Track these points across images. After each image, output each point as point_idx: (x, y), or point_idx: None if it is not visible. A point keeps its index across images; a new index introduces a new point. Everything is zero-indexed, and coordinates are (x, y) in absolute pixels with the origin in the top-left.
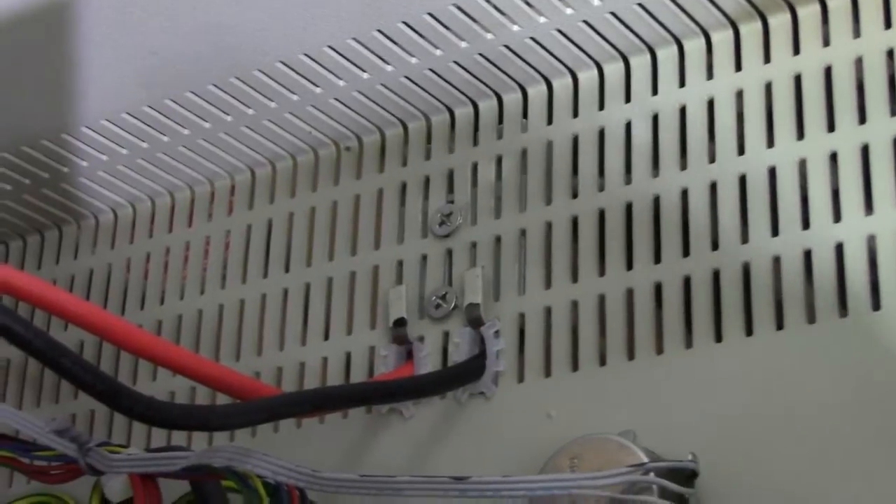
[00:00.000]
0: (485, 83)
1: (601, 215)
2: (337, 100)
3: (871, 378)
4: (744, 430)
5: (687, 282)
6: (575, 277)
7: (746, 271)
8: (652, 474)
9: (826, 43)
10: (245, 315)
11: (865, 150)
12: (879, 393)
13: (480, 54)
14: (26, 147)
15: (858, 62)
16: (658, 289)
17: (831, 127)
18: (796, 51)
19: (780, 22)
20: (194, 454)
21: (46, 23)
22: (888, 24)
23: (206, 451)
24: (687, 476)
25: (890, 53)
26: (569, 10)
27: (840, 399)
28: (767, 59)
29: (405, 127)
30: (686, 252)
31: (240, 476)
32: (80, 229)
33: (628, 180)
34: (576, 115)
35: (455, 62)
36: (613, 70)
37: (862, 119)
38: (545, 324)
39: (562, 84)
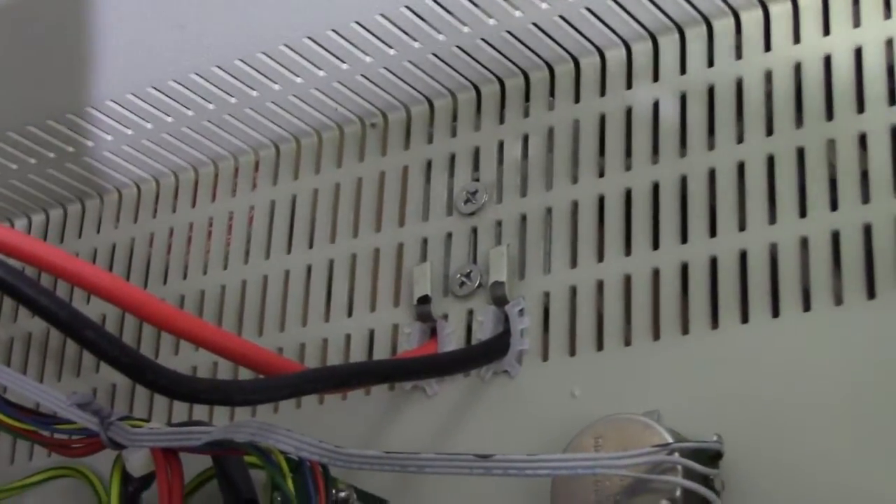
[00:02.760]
0: (512, 61)
1: (628, 195)
2: (363, 76)
3: None
4: (769, 411)
5: (713, 262)
6: (601, 257)
7: (773, 252)
8: (676, 455)
9: (857, 24)
10: (268, 291)
11: (894, 132)
12: None
13: (508, 31)
14: (51, 121)
15: (889, 44)
16: (684, 269)
17: (861, 108)
18: (826, 32)
19: (810, 2)
20: (217, 429)
21: None
22: None
23: (229, 427)
24: (711, 456)
25: None
26: None
27: (866, 381)
28: (797, 39)
29: (431, 104)
30: (713, 233)
31: (262, 451)
32: (102, 204)
33: (655, 160)
34: (603, 93)
35: (482, 39)
36: (642, 49)
37: (892, 101)
38: (570, 303)
39: (589, 63)
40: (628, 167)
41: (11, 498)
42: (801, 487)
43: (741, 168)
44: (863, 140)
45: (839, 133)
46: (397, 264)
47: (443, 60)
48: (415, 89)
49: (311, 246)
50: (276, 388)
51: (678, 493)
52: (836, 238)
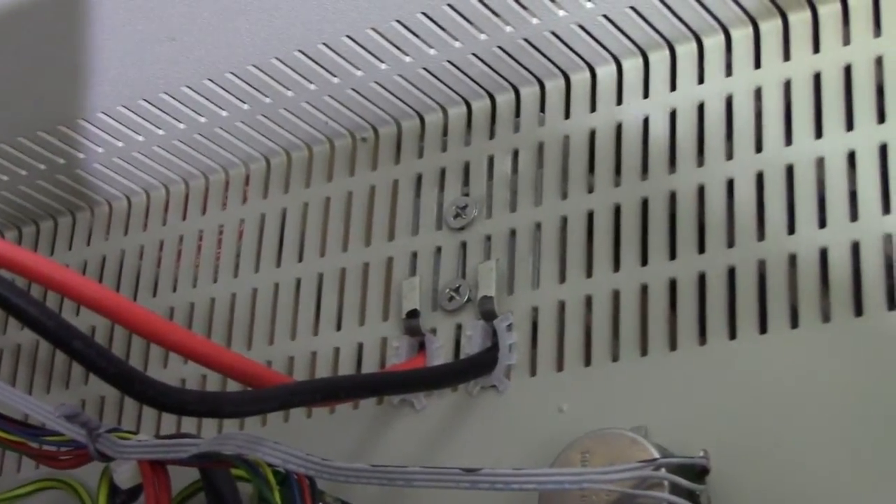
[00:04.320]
0: (502, 76)
1: (617, 210)
2: (354, 90)
3: (885, 378)
4: (756, 427)
5: (702, 278)
6: (589, 272)
7: (762, 269)
8: (663, 470)
9: (846, 42)
10: (257, 304)
11: (884, 150)
12: (893, 393)
13: (499, 47)
14: (43, 132)
15: (878, 61)
16: (672, 285)
17: (850, 126)
18: (816, 49)
19: (800, 19)
20: (204, 442)
21: (64, 7)
22: None
23: (217, 439)
24: (698, 472)
25: None
26: (589, 5)
27: (853, 398)
28: (787, 56)
29: (422, 119)
30: (701, 249)
31: (250, 464)
32: (93, 216)
33: (644, 176)
34: (593, 109)
35: (473, 54)
36: (632, 65)
37: (881, 119)
38: (558, 318)
39: (580, 78)
40: (617, 183)
41: None
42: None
43: (730, 185)
44: (851, 158)
45: (828, 151)
46: (386, 278)
47: (434, 75)
48: (405, 104)
49: (300, 259)
50: (263, 401)
51: None
52: (824, 255)
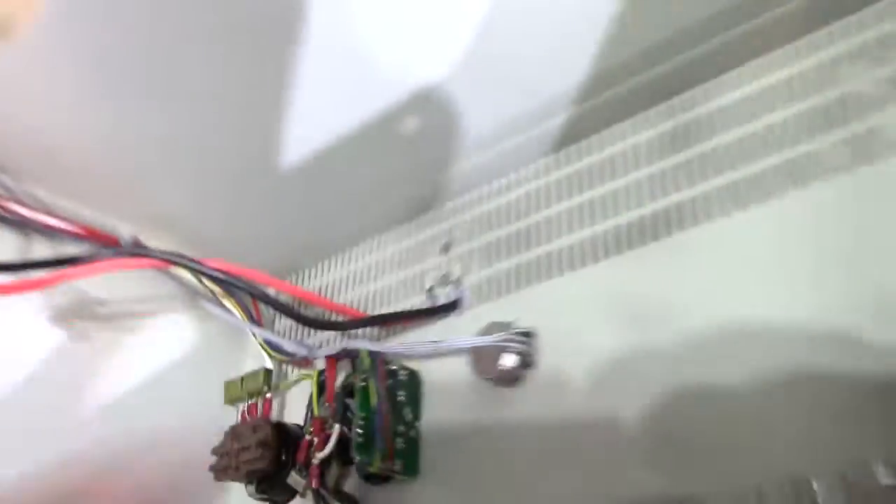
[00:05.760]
0: None
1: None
2: None
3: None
4: (559, 318)
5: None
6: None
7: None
8: (511, 333)
9: None
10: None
11: None
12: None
13: None
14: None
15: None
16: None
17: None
18: None
19: None
20: (339, 344)
21: None
22: None
23: (344, 341)
24: (529, 335)
25: None
26: None
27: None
28: None
29: None
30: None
31: (359, 352)
32: None
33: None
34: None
35: None
36: None
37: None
38: (488, 284)
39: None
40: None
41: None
42: (576, 351)
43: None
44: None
45: None
46: (421, 276)
47: None
48: None
49: None
50: (355, 323)
51: (522, 349)
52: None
